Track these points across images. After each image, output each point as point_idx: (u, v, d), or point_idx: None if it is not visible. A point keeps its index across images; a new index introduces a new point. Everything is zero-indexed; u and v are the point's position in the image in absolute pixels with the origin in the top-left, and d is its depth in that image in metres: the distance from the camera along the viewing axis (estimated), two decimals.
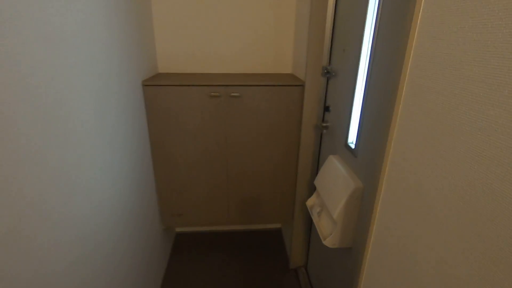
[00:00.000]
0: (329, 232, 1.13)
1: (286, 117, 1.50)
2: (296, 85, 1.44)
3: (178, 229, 2.19)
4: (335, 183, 1.11)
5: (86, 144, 0.88)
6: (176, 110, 1.44)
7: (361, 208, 1.00)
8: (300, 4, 1.50)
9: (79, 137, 0.84)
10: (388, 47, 0.80)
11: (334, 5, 1.23)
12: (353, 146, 1.08)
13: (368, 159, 0.93)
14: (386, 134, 0.68)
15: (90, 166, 0.91)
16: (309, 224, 1.68)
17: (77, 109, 0.83)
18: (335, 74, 1.24)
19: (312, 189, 1.59)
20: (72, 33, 0.80)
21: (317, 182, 1.27)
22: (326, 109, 1.35)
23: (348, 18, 1.11)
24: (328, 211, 1.17)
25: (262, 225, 2.21)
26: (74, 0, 0.81)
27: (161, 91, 1.40)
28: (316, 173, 1.54)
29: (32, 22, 0.64)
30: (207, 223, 1.72)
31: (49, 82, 0.70)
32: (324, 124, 1.36)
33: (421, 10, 0.52)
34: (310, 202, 1.34)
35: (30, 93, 0.64)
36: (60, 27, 0.75)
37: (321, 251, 1.50)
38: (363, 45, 0.98)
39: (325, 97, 1.38)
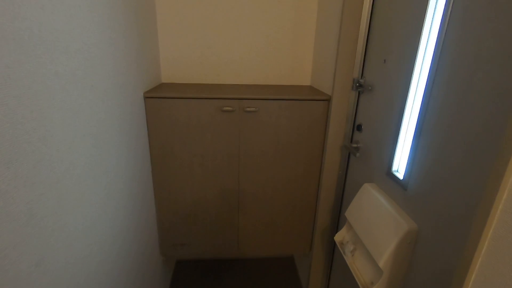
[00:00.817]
0: (369, 279, 0.93)
1: (307, 136, 1.31)
2: (321, 100, 1.25)
3: (178, 257, 1.97)
4: (377, 220, 0.92)
5: (77, 164, 0.68)
6: (183, 126, 1.25)
7: (417, 256, 0.80)
8: (326, 10, 1.33)
9: (68, 157, 0.64)
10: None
11: (370, 9, 1.06)
12: (400, 176, 0.89)
13: (434, 195, 0.74)
14: (494, 165, 0.49)
15: (79, 187, 0.71)
16: (331, 256, 1.48)
17: (66, 125, 0.64)
18: (371, 88, 1.06)
19: (335, 218, 1.39)
20: (63, 35, 0.62)
21: (349, 214, 1.07)
22: (358, 128, 1.17)
23: (391, 22, 0.94)
24: (366, 251, 0.97)
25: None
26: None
27: (165, 104, 1.21)
28: (341, 200, 1.35)
29: (18, 20, 0.46)
30: (215, 255, 1.51)
31: (31, 93, 0.51)
32: (355, 145, 1.17)
33: None
34: (339, 237, 1.14)
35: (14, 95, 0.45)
36: (47, 27, 0.56)
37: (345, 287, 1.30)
38: (418, 53, 0.80)
39: (355, 114, 1.20)
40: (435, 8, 0.75)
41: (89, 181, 0.76)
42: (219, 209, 1.41)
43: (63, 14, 0.63)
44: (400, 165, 0.91)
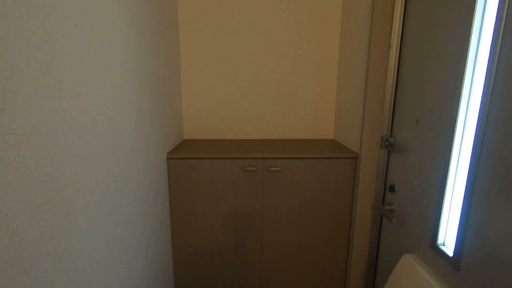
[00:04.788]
0: None
1: (335, 195, 1.24)
2: (348, 158, 1.20)
3: None
4: None
5: (99, 250, 0.63)
6: (205, 186, 1.21)
7: None
8: (348, 66, 1.34)
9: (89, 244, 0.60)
10: None
11: (396, 64, 1.04)
12: (449, 251, 0.79)
13: (498, 280, 0.64)
14: None
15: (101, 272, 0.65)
16: None
17: (91, 214, 0.60)
18: (404, 149, 1.00)
19: (367, 284, 1.25)
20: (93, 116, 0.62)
21: None
22: (390, 189, 1.09)
23: (424, 82, 0.91)
24: None
25: None
26: (100, 54, 0.64)
27: (188, 165, 1.19)
28: (375, 265, 1.22)
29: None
30: None
31: (59, 165, 0.48)
32: (388, 207, 1.08)
33: None
34: None
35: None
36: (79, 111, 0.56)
37: None
38: (459, 118, 0.75)
39: (386, 173, 1.13)
40: (473, 72, 0.72)
41: (115, 255, 0.71)
42: (241, 274, 1.31)
43: (97, 76, 0.64)
44: (447, 237, 0.82)
